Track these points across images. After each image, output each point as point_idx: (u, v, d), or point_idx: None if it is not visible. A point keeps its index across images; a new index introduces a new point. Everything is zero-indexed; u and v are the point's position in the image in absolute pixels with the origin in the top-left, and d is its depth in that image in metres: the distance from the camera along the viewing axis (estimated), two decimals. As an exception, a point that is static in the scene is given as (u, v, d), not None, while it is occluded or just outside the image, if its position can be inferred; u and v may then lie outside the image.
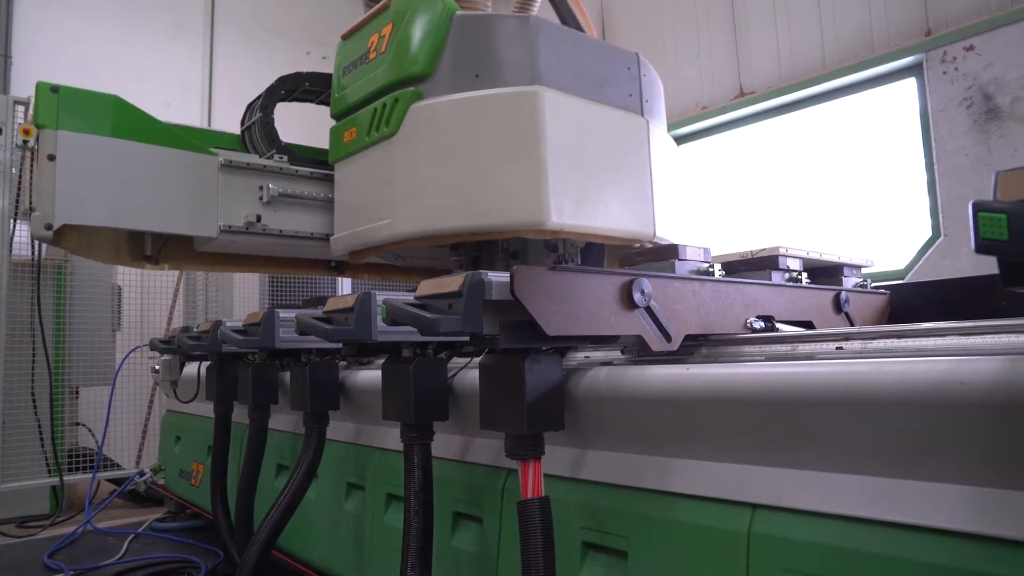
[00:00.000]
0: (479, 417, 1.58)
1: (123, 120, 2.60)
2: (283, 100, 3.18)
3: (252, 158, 2.91)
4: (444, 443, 2.00)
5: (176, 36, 6.91)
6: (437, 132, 2.19)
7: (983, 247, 0.78)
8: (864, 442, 1.16)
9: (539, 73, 2.16)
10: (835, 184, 5.53)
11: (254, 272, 3.31)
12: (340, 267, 3.43)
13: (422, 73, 2.24)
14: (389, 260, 3.04)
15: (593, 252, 2.71)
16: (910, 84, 4.94)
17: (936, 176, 4.62)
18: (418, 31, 2.26)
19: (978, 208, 0.77)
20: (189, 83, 6.93)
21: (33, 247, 4.24)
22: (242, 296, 5.22)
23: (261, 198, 2.84)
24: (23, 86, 5.61)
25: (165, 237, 2.93)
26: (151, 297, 5.19)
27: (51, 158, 2.42)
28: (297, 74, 3.22)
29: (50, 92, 2.47)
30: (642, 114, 2.43)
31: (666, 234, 2.45)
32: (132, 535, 3.71)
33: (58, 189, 2.41)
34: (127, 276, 4.93)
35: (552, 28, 2.27)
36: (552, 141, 2.11)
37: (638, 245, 2.39)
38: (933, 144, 4.63)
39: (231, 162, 2.81)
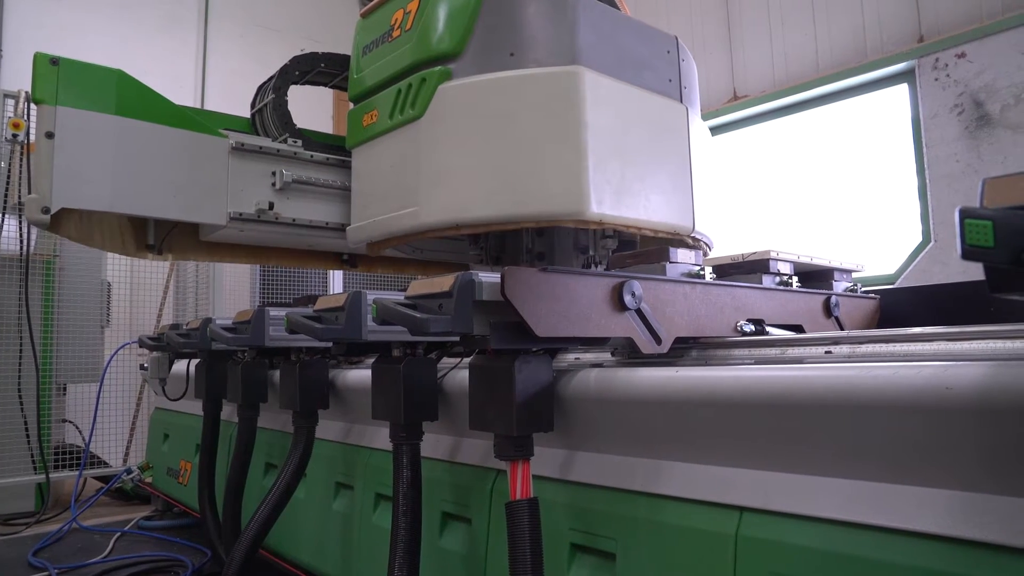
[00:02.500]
0: (468, 417, 1.58)
1: (128, 97, 2.43)
2: (296, 82, 3.02)
3: (265, 141, 2.74)
4: (433, 443, 1.99)
5: (169, 30, 6.88)
6: (467, 114, 2.06)
7: (969, 254, 0.78)
8: (851, 446, 1.16)
9: (578, 52, 2.04)
10: (828, 188, 5.55)
11: (261, 264, 3.16)
12: (353, 260, 3.27)
13: (451, 51, 2.11)
14: (407, 253, 2.90)
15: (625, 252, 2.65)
16: (902, 90, 4.97)
17: (927, 181, 4.65)
18: (447, 6, 2.13)
19: (964, 215, 0.78)
20: (182, 78, 6.90)
21: (22, 241, 4.21)
22: (232, 294, 5.20)
23: (274, 184, 2.67)
24: (13, 79, 5.57)
25: (170, 225, 2.75)
26: (140, 293, 5.16)
27: (49, 136, 2.25)
28: (312, 54, 3.05)
29: (49, 64, 2.29)
30: (681, 101, 2.33)
31: (704, 228, 2.35)
32: (118, 533, 3.69)
33: (56, 170, 2.24)
34: (116, 272, 4.91)
35: (591, 5, 2.14)
36: (593, 126, 1.98)
37: (689, 240, 2.31)
38: (924, 150, 4.66)
39: (243, 145, 2.63)
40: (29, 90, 4.15)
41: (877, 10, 5.02)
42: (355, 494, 2.29)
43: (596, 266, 2.49)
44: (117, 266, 4.87)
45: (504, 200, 1.99)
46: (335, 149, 2.87)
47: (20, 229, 4.20)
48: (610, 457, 1.54)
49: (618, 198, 2.02)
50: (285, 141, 2.80)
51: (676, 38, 2.40)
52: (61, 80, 2.30)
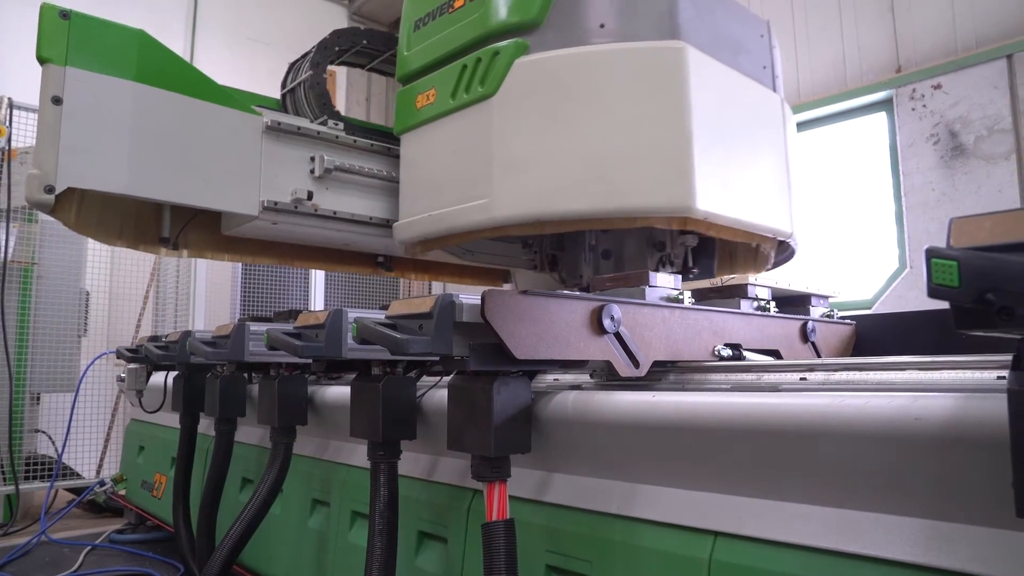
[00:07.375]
0: (447, 437, 1.58)
1: (150, 62, 2.12)
2: (333, 61, 2.72)
3: (304, 122, 2.42)
4: (411, 462, 1.99)
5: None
6: (550, 92, 1.81)
7: (935, 292, 0.81)
8: (824, 473, 1.18)
9: (678, 27, 1.83)
10: (807, 213, 5.63)
11: (287, 265, 2.80)
12: (388, 263, 2.96)
13: (530, 21, 1.87)
14: (457, 255, 2.64)
15: (705, 253, 2.31)
16: (881, 119, 5.08)
17: (904, 209, 4.74)
18: None
19: (931, 255, 0.80)
20: (168, 88, 6.87)
21: (-1, 248, 4.16)
22: (213, 306, 5.16)
23: (312, 171, 2.35)
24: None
25: (189, 215, 2.43)
26: (119, 303, 5.11)
27: (56, 101, 1.94)
28: (354, 29, 2.77)
29: (58, 18, 1.98)
30: (774, 90, 2.14)
31: (798, 233, 2.15)
32: (89, 547, 3.62)
33: (63, 142, 1.92)
34: (95, 280, 4.85)
35: None
36: (697, 109, 1.77)
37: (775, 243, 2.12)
38: (901, 178, 4.76)
39: (279, 124, 2.32)
40: (12, 96, 4.13)
41: (857, 40, 5.14)
42: (331, 511, 2.28)
43: (670, 265, 2.25)
44: (96, 275, 4.82)
45: (595, 192, 1.76)
46: (380, 135, 2.59)
47: (-2, 236, 4.15)
48: (586, 479, 1.55)
49: (723, 194, 1.83)
50: (324, 123, 2.51)
51: (768, 22, 2.22)
52: (72, 37, 1.99)
